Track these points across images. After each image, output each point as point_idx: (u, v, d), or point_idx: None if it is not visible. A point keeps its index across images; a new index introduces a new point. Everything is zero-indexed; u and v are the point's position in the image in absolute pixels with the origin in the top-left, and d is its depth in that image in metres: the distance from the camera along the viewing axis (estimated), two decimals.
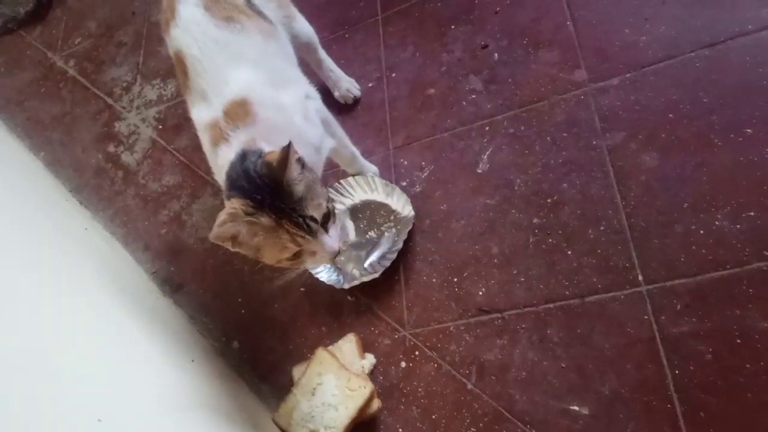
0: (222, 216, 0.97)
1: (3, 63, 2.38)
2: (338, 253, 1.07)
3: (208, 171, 1.75)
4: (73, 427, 0.80)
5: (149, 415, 0.95)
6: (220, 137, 1.07)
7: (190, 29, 1.13)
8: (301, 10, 1.44)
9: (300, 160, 1.00)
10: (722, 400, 1.05)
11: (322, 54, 1.56)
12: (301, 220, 0.98)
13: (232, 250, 1.01)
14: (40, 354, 0.88)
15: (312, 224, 1.00)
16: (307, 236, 0.99)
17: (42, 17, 2.42)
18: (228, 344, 1.50)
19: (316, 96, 1.28)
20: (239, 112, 1.06)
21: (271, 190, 0.96)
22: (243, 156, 1.01)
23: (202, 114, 1.12)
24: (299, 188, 0.98)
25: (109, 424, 0.84)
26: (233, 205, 0.98)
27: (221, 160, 1.06)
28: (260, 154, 1.00)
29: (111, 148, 1.95)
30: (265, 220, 0.97)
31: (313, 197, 1.01)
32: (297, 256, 1.04)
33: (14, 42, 2.42)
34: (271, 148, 1.02)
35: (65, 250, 1.39)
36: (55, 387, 0.84)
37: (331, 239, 1.04)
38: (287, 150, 0.94)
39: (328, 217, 1.04)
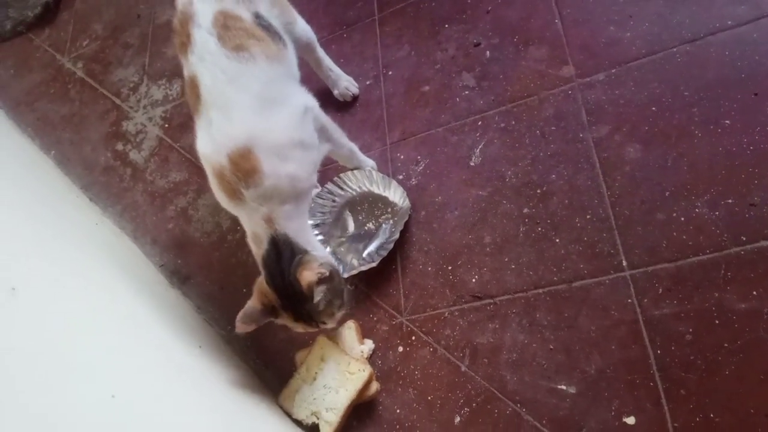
0: (255, 303, 1.20)
1: (13, 65, 2.45)
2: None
3: None
4: (88, 401, 0.86)
5: (159, 392, 1.02)
6: (233, 194, 1.17)
7: (204, 58, 1.18)
8: (301, 12, 1.49)
9: (323, 275, 1.14)
10: (702, 377, 1.11)
11: (321, 53, 1.62)
12: (314, 323, 1.21)
13: None
14: (58, 335, 0.95)
15: (321, 324, 1.22)
16: (314, 328, 1.24)
17: (50, 20, 2.50)
18: (234, 333, 1.56)
19: (313, 104, 1.33)
20: (246, 166, 1.14)
21: (297, 297, 1.16)
22: (276, 246, 1.17)
23: (206, 148, 1.19)
24: (320, 306, 1.17)
25: (121, 400, 0.90)
26: (268, 295, 1.19)
27: (246, 226, 1.24)
28: (292, 249, 1.17)
29: (119, 147, 2.02)
30: (286, 315, 1.21)
31: (329, 309, 1.21)
32: None
33: (23, 45, 2.49)
34: (284, 220, 1.18)
35: (78, 243, 1.46)
36: (71, 365, 0.90)
37: (333, 323, 1.25)
38: (312, 287, 1.13)
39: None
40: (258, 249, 1.21)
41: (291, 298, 1.17)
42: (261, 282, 1.21)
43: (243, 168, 1.14)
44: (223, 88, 1.17)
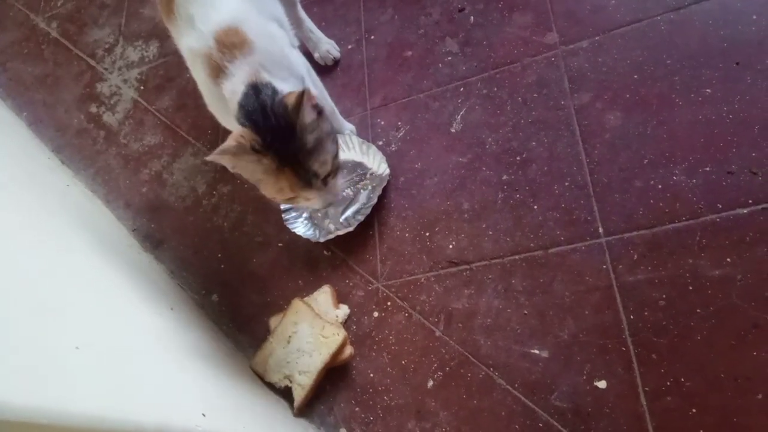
0: (229, 142, 1.00)
1: None
2: (333, 202, 1.16)
3: (189, 131, 1.79)
4: (52, 352, 0.83)
5: (127, 348, 0.99)
6: (218, 71, 1.08)
7: None
8: None
9: (317, 107, 1.03)
10: (673, 342, 1.11)
11: (302, 13, 1.58)
12: (302, 173, 1.04)
13: (231, 171, 1.07)
14: (22, 286, 0.92)
15: (312, 179, 1.06)
16: (305, 188, 1.06)
17: None
18: (207, 297, 1.55)
19: (296, 43, 1.30)
20: (234, 40, 1.06)
21: (282, 132, 1.00)
22: (256, 88, 1.02)
23: (191, 43, 1.12)
24: (310, 139, 1.02)
25: (85, 351, 0.87)
26: (243, 135, 1.01)
27: (227, 94, 1.08)
28: (274, 89, 1.02)
29: (93, 109, 1.96)
30: (268, 162, 1.01)
31: (320, 153, 1.05)
32: (293, 198, 1.10)
33: None
34: (272, 78, 1.05)
35: (47, 201, 1.42)
36: (35, 316, 0.88)
37: (328, 193, 1.12)
38: (302, 94, 0.97)
39: (330, 173, 1.10)
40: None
41: (274, 134, 0.99)
42: (234, 133, 1.03)
43: (231, 41, 1.06)
44: None
